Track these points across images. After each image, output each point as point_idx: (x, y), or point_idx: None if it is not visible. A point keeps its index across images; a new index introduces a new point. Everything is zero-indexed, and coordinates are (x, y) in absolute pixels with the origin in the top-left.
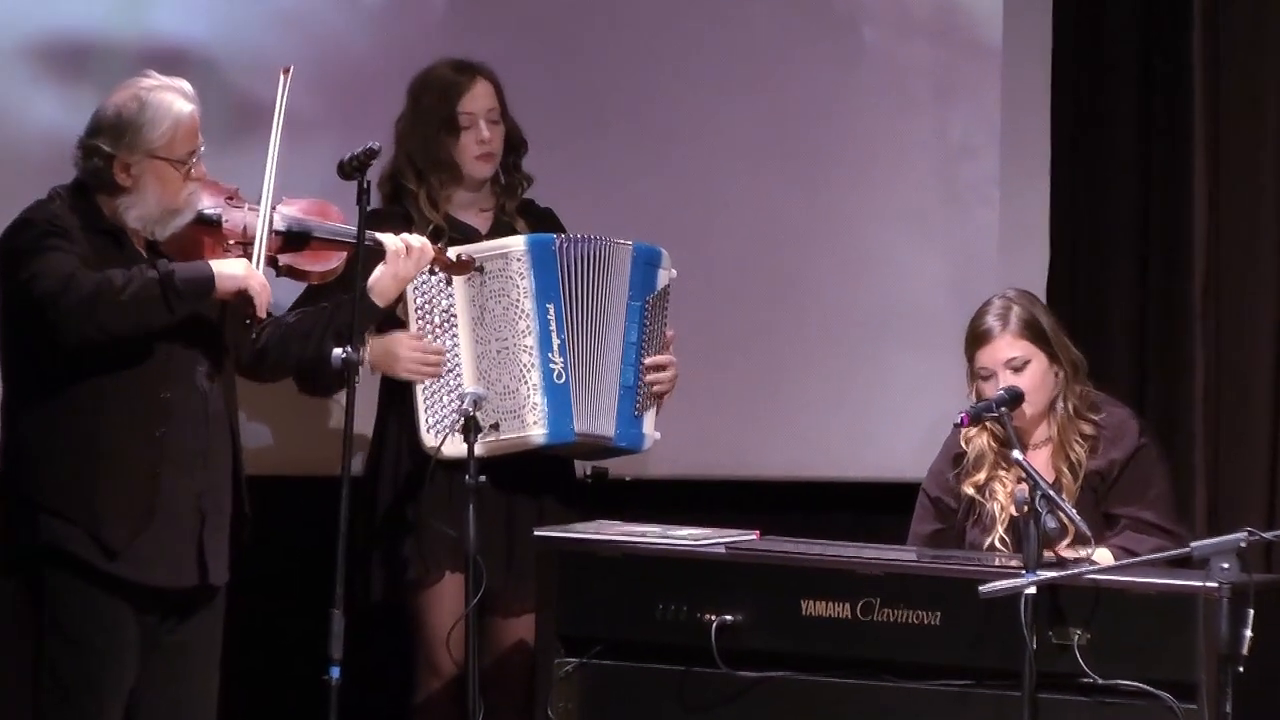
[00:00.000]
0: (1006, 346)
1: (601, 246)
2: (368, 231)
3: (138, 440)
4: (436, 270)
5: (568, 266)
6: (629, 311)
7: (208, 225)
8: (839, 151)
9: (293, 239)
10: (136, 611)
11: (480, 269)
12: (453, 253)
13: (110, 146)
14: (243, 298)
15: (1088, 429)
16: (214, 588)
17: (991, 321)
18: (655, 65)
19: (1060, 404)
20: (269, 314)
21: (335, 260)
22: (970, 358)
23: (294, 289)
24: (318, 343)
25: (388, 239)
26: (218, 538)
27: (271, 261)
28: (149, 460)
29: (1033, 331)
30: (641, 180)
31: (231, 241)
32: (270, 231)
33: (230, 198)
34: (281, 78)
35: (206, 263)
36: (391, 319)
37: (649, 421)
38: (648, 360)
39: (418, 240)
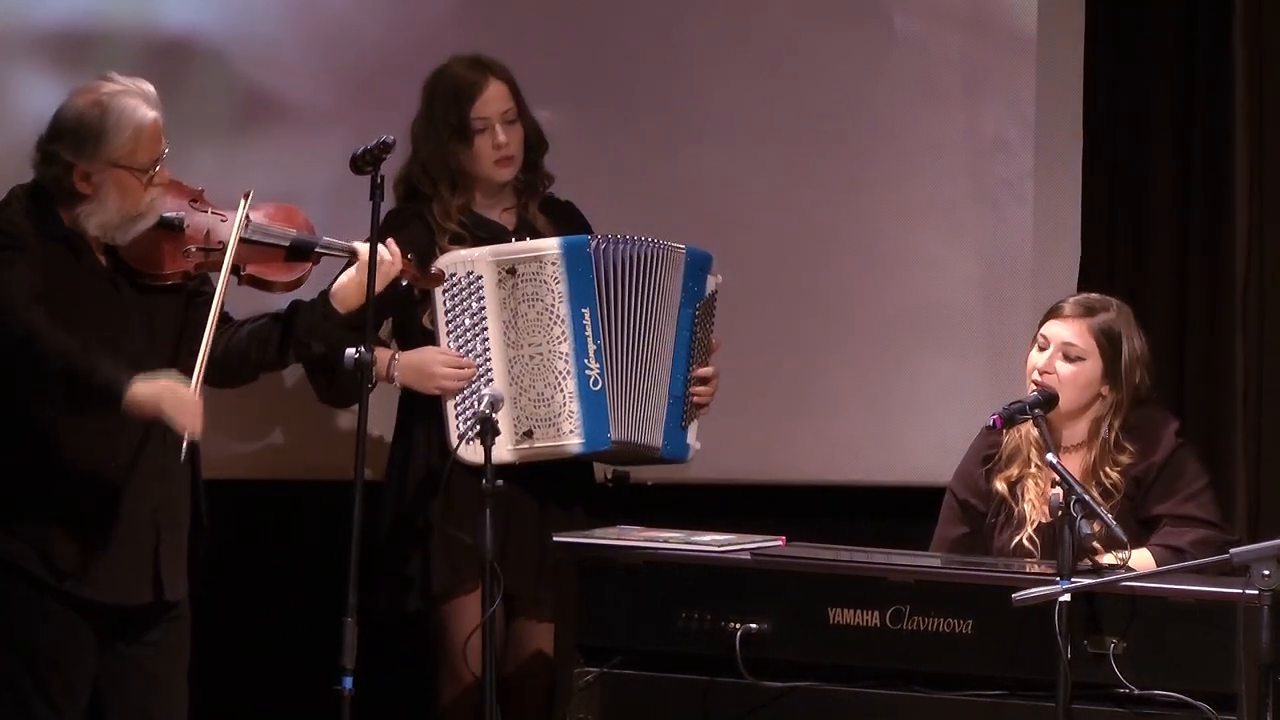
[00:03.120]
0: (1075, 332)
1: (647, 248)
2: (336, 240)
3: (94, 455)
4: (406, 282)
5: (606, 269)
6: (680, 318)
7: (170, 229)
8: (867, 146)
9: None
10: (92, 623)
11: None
12: (449, 261)
13: (70, 155)
14: (161, 424)
15: (1124, 458)
16: (170, 603)
17: (1078, 305)
18: (678, 54)
19: (1105, 429)
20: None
21: (300, 270)
22: (1042, 322)
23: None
24: (277, 348)
25: (360, 247)
26: (174, 554)
27: (235, 270)
28: (106, 475)
29: (1107, 342)
30: (663, 174)
31: (193, 247)
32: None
33: (195, 200)
34: (242, 201)
35: (130, 379)
36: (420, 330)
37: (693, 432)
38: (696, 371)
39: (387, 253)
